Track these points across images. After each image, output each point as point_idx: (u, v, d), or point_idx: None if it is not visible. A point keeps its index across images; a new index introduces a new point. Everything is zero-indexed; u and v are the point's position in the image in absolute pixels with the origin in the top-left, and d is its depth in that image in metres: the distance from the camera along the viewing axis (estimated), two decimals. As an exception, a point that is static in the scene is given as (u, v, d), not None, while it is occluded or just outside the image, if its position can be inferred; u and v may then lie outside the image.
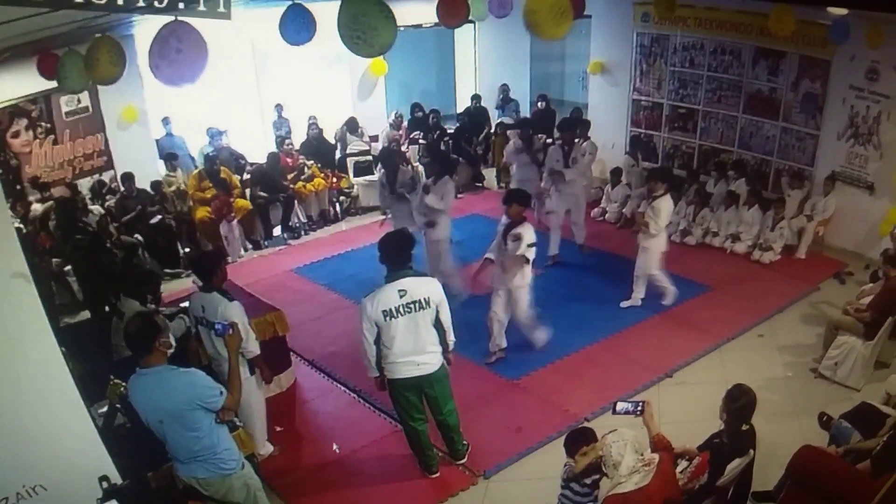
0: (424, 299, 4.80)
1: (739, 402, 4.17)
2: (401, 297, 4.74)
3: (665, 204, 7.28)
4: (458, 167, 11.20)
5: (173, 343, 3.87)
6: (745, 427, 4.22)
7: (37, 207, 8.71)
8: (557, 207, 8.89)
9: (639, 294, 7.66)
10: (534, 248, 6.40)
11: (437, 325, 4.96)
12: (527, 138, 9.35)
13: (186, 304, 5.71)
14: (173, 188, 9.81)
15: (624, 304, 7.67)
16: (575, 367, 6.69)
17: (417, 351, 4.88)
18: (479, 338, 7.00)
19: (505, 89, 13.00)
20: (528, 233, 6.34)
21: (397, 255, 4.86)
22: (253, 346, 5.11)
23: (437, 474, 5.36)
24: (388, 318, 4.75)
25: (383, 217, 8.73)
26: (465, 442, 5.50)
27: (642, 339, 7.11)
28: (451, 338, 5.07)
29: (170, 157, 10.08)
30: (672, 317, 7.49)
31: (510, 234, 6.38)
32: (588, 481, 4.10)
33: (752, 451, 4.27)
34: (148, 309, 5.65)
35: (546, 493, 4.51)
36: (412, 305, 4.77)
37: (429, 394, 5.09)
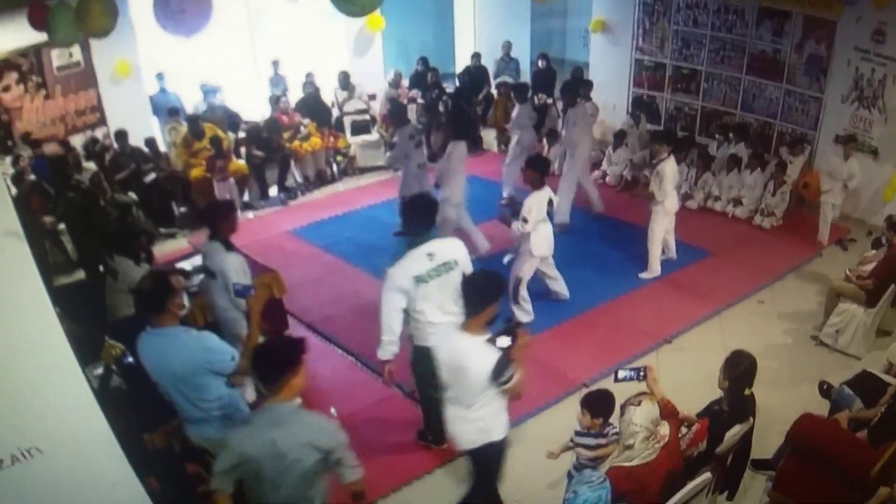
0: (453, 260, 4.62)
1: (741, 368, 4.12)
2: (430, 260, 4.54)
3: (669, 167, 7.14)
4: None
5: (187, 304, 3.82)
6: (746, 392, 4.19)
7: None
8: (569, 169, 8.73)
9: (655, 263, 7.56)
10: (527, 223, 6.32)
11: None
12: (528, 101, 9.39)
13: (182, 263, 5.64)
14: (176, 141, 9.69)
15: (642, 274, 7.52)
16: (574, 332, 6.65)
17: (450, 314, 4.61)
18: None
19: (507, 46, 12.72)
20: (526, 204, 6.33)
21: (421, 218, 4.66)
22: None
23: (446, 445, 5.25)
24: (419, 284, 4.54)
25: None
26: None
27: (642, 304, 7.06)
28: None
29: (172, 111, 9.93)
30: (672, 282, 7.44)
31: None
32: (591, 443, 4.15)
33: (751, 419, 4.24)
34: (165, 267, 5.58)
35: (544, 458, 4.50)
36: (442, 268, 4.57)
37: None
